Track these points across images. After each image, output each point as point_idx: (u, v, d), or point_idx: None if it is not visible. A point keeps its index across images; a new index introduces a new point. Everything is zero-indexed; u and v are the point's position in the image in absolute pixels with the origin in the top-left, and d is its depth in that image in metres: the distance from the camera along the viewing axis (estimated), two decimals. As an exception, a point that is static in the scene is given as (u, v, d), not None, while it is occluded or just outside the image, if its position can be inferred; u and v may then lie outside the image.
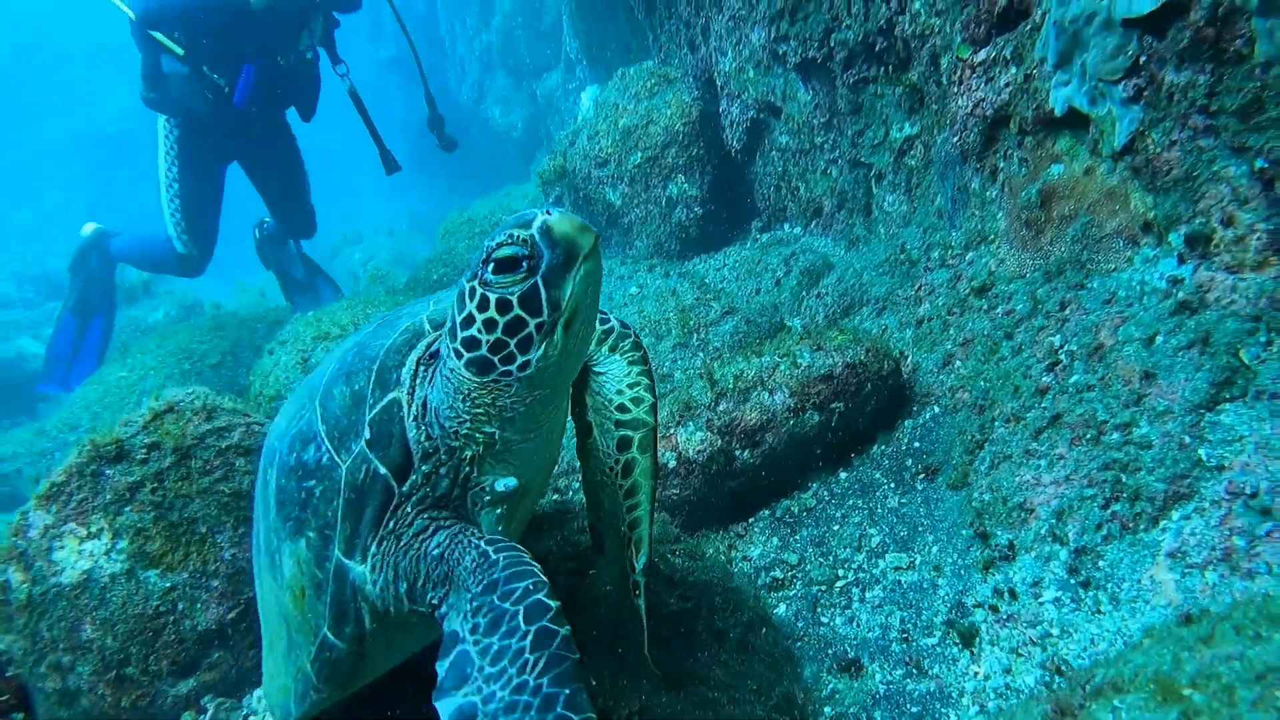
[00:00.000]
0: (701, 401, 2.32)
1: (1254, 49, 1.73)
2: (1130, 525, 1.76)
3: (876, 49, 3.58)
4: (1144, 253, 2.10)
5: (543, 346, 1.22)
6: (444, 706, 1.12)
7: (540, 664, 1.10)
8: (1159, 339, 1.91)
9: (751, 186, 4.75)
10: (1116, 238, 2.17)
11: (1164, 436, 1.79)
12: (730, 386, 2.33)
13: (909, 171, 3.53)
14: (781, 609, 2.08)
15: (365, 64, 16.01)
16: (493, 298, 1.20)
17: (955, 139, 2.83)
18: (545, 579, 1.18)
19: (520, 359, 1.23)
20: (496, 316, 1.21)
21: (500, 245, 1.18)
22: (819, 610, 2.04)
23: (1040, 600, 1.78)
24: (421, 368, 1.37)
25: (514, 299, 1.19)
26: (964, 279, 2.68)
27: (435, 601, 1.29)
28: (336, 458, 1.36)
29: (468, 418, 1.31)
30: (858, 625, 1.98)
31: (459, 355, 1.25)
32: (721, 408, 2.31)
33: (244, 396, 4.35)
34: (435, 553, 1.29)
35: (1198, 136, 1.91)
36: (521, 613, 1.15)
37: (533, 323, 1.20)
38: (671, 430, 2.32)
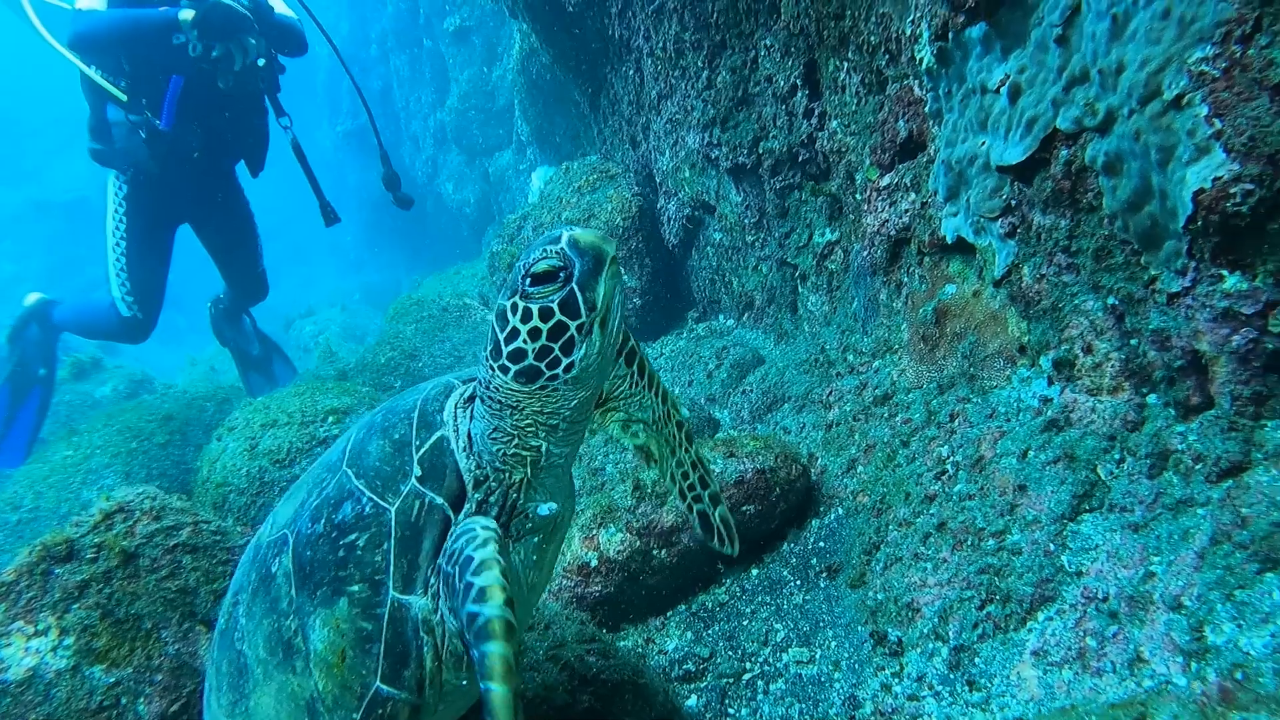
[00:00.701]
0: (622, 505, 2.49)
1: (1101, 203, 1.97)
2: (1002, 625, 1.94)
3: (800, 159, 3.85)
4: (1020, 373, 2.32)
5: (584, 347, 1.36)
6: None
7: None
8: (1031, 453, 2.12)
9: (688, 279, 4.99)
10: (998, 357, 2.40)
11: (1032, 544, 1.99)
12: (649, 490, 2.50)
13: (829, 274, 3.77)
14: (692, 700, 2.22)
15: (323, 139, 16.23)
16: (535, 308, 1.33)
17: (866, 252, 3.07)
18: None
19: (565, 361, 1.36)
20: (540, 324, 1.34)
21: (536, 261, 1.33)
22: (726, 702, 2.19)
23: (922, 695, 1.95)
24: (459, 410, 1.50)
25: (555, 306, 1.33)
26: (869, 387, 2.90)
27: None
28: (382, 503, 1.44)
29: (514, 434, 1.42)
30: (760, 717, 2.13)
31: (505, 370, 1.37)
32: (640, 510, 2.47)
33: (193, 478, 4.40)
34: None
35: (1062, 273, 2.14)
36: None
37: (574, 325, 1.34)
38: (594, 532, 2.48)
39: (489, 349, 1.39)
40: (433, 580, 1.37)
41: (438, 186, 12.71)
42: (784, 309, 4.25)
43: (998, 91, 2.23)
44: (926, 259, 2.73)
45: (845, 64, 3.22)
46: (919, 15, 2.48)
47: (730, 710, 2.17)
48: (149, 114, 4.64)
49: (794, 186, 3.94)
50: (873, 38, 2.94)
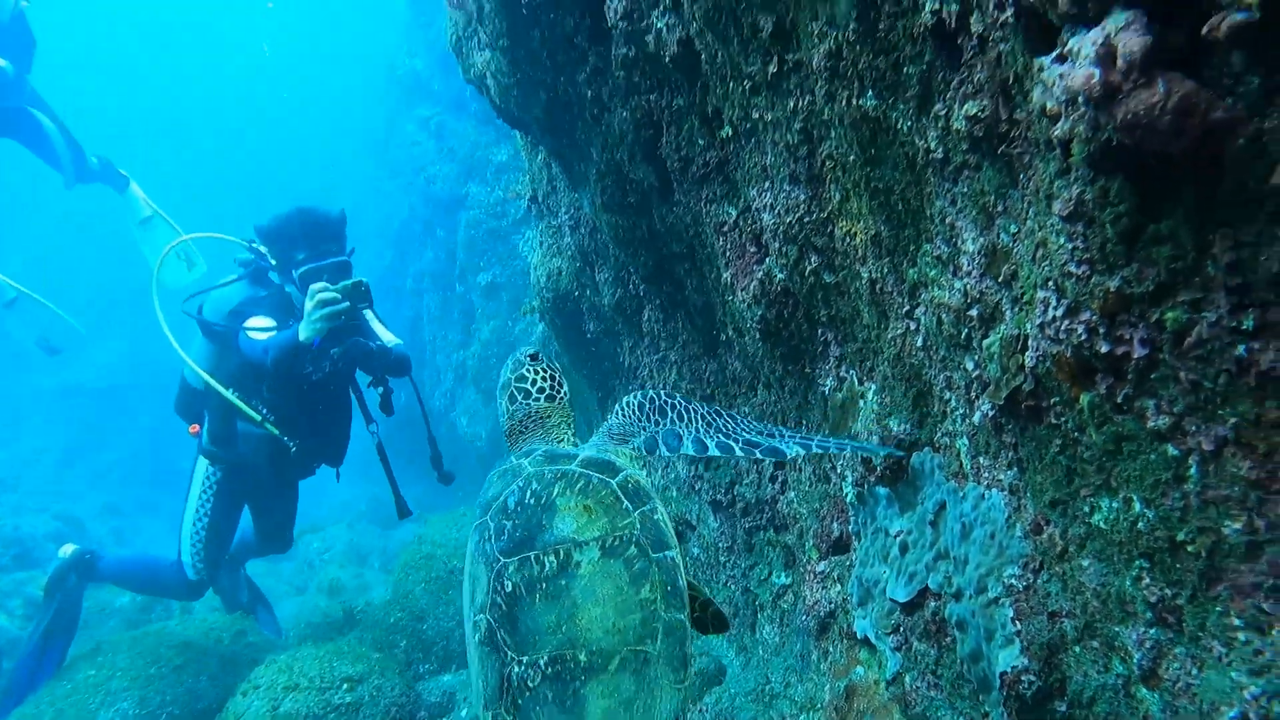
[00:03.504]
0: None
1: (956, 647, 2.70)
2: None
3: (765, 511, 4.63)
4: (900, 759, 2.99)
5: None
6: None
7: None
8: (899, 832, 2.75)
9: (667, 580, 5.68)
10: (887, 741, 3.07)
11: None
12: None
13: (782, 612, 4.47)
14: None
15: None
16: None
17: (805, 617, 3.79)
18: None
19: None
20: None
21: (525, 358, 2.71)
22: None
23: None
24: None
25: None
26: (794, 740, 3.56)
27: None
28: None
29: None
30: None
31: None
32: None
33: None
34: None
35: (930, 689, 2.84)
36: None
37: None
38: None
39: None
40: None
41: (453, 418, 13.60)
42: (745, 626, 4.91)
43: (895, 538, 3.02)
44: (845, 641, 3.44)
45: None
46: (845, 465, 3.31)
47: None
48: (282, 435, 5.41)
49: (760, 528, 4.71)
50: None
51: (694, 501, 5.25)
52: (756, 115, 2.95)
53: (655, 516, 2.08)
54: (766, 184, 3.10)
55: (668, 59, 3.19)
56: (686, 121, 3.44)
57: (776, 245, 3.15)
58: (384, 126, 19.57)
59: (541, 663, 1.86)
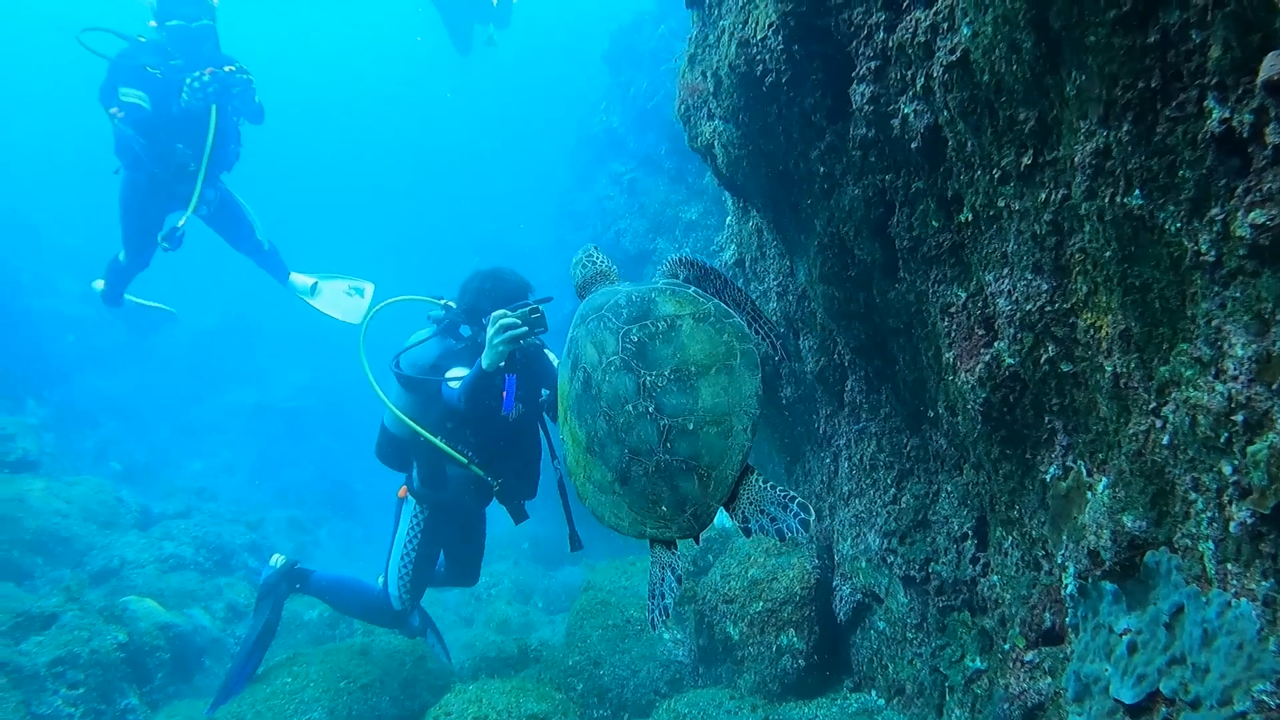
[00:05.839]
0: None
1: (1187, 760, 2.62)
2: None
3: (962, 591, 4.57)
4: None
5: None
6: None
7: None
8: None
9: (849, 652, 5.65)
10: (1101, 846, 2.98)
11: None
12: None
13: (974, 697, 4.38)
14: None
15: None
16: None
17: (1006, 705, 3.72)
18: None
19: None
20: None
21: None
22: None
23: None
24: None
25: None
26: (993, 833, 3.48)
27: None
28: None
29: None
30: None
31: None
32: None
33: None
34: None
35: (1155, 798, 2.76)
36: None
37: None
38: None
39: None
40: None
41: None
42: (931, 708, 4.83)
43: (1120, 636, 2.96)
44: (1055, 736, 3.37)
45: (1010, 538, 4.00)
46: (1067, 555, 3.27)
47: None
48: (486, 475, 5.79)
49: (954, 609, 4.64)
50: (1033, 532, 3.73)
51: (884, 574, 5.22)
52: (1003, 204, 3.01)
53: (719, 304, 3.11)
54: (1005, 270, 3.14)
55: (912, 144, 3.29)
56: (922, 203, 3.52)
57: (1011, 331, 3.18)
58: (572, 179, 20.36)
59: (666, 373, 2.85)
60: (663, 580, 3.08)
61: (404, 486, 6.26)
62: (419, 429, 5.73)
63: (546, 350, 6.09)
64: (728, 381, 2.84)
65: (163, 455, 18.49)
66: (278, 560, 6.85)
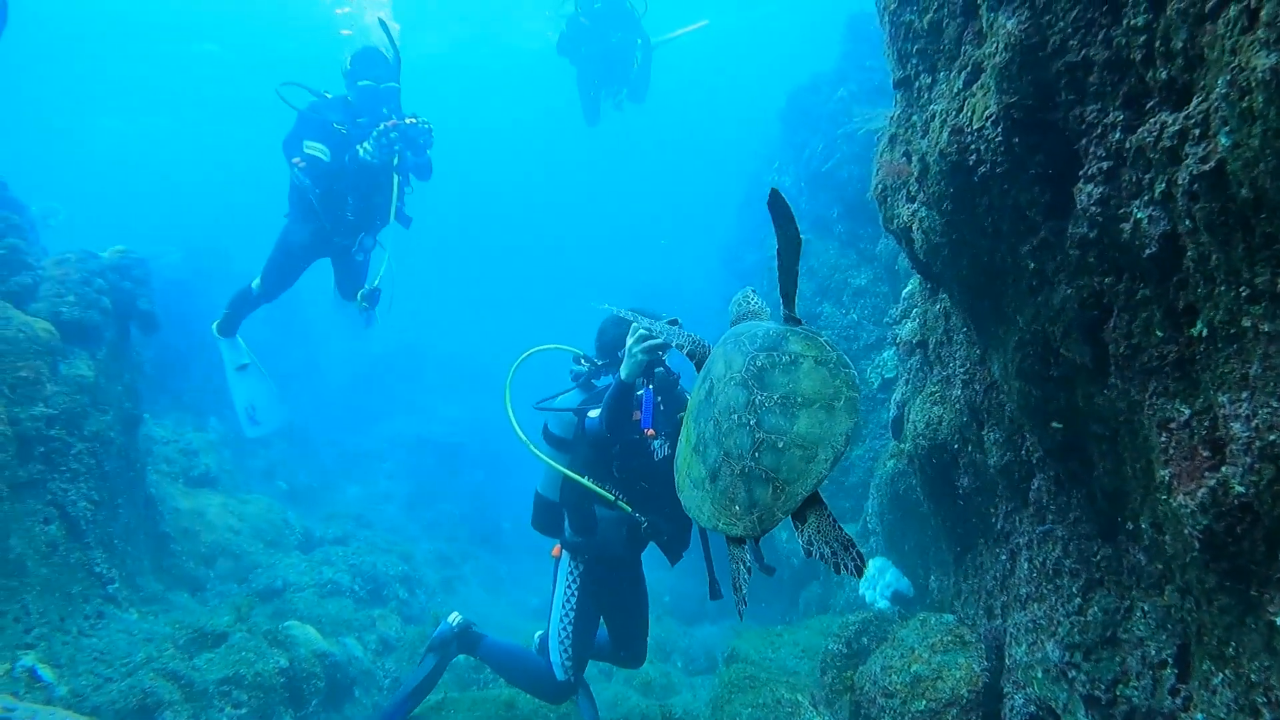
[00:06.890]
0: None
1: None
2: None
3: (1156, 723, 4.22)
4: None
5: None
6: None
7: None
8: None
9: (1018, 770, 5.30)
10: None
11: None
12: None
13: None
14: None
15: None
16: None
17: None
18: None
19: None
20: None
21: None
22: None
23: None
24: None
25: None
26: None
27: None
28: None
29: None
30: None
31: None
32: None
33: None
34: None
35: None
36: None
37: None
38: None
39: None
40: None
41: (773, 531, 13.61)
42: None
43: (1363, 815, 2.64)
44: None
45: (1220, 675, 3.67)
46: (1299, 710, 2.96)
47: None
48: (634, 512, 5.75)
49: (1145, 739, 4.29)
50: (1252, 676, 3.41)
51: (1062, 689, 4.89)
52: (1248, 323, 2.79)
53: (844, 355, 3.34)
54: (1245, 394, 2.90)
55: (1145, 251, 3.10)
56: (1146, 311, 3.32)
57: (1247, 460, 2.93)
58: (739, 235, 20.37)
59: (775, 397, 3.15)
60: (738, 574, 3.37)
61: (557, 545, 6.26)
62: (565, 470, 5.85)
63: (684, 390, 6.01)
64: (825, 418, 3.08)
65: (324, 478, 19.34)
66: (455, 619, 6.90)
